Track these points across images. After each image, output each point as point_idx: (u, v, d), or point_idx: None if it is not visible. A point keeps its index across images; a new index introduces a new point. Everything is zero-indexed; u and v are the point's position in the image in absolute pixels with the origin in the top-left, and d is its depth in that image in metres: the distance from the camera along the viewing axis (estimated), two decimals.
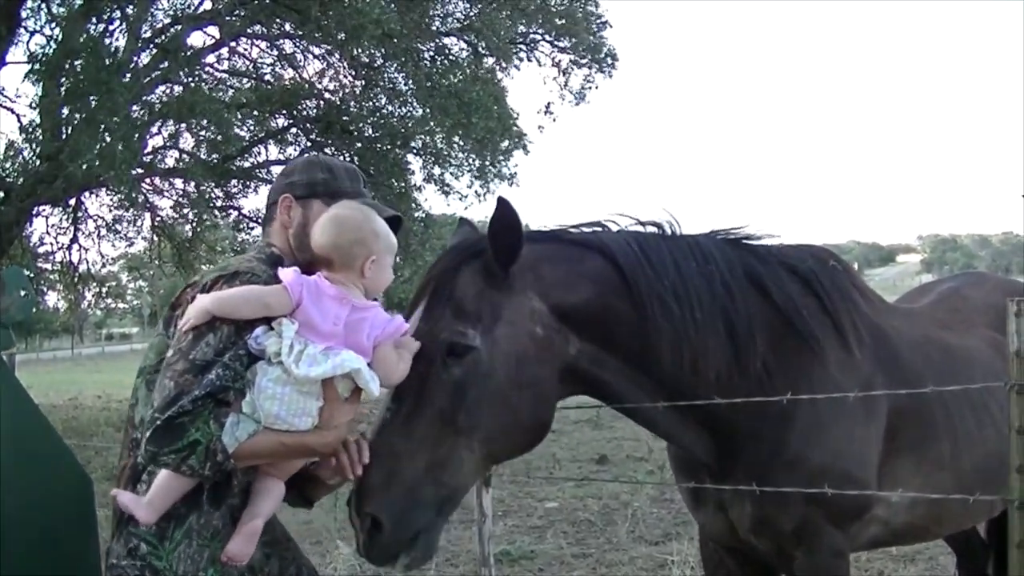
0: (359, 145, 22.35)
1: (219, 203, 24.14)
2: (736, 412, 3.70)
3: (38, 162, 18.34)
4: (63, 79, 17.54)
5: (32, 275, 22.33)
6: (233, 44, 22.23)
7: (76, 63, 17.14)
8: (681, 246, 3.75)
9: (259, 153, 24.25)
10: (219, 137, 20.54)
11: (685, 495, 4.28)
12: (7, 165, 20.10)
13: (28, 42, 18.97)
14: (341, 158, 22.66)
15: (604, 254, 3.61)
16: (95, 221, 24.47)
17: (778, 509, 3.74)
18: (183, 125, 21.22)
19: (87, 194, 22.64)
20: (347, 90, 22.99)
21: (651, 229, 3.82)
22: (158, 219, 25.25)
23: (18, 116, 19.81)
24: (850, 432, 3.83)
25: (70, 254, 24.04)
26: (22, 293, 4.45)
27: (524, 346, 3.38)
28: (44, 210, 21.43)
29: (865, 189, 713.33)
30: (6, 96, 19.75)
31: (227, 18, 19.69)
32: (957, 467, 4.17)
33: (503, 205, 3.32)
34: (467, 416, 3.26)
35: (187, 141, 22.45)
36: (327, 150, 23.00)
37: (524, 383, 3.36)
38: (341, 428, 3.04)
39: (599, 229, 3.77)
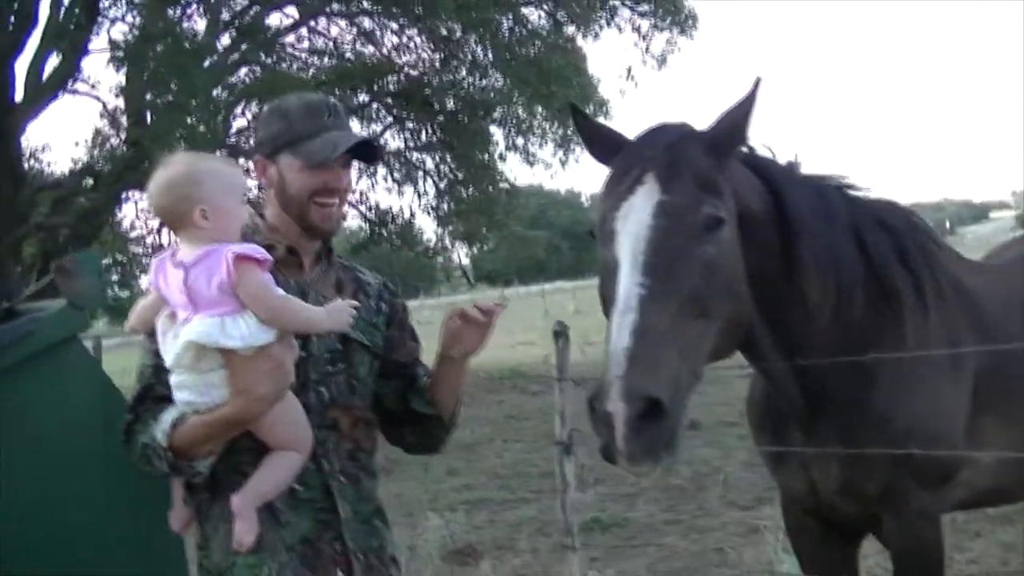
0: (440, 118, 22.41)
1: None
2: (825, 368, 3.56)
3: (124, 148, 18.54)
4: (144, 65, 17.68)
5: (126, 259, 22.77)
6: (312, 23, 22.36)
7: (157, 48, 17.26)
8: (809, 186, 3.59)
9: None
10: None
11: (765, 456, 4.15)
12: (95, 152, 20.36)
13: (109, 30, 19.15)
14: (423, 131, 22.88)
15: (760, 175, 3.43)
16: None
17: (864, 470, 3.62)
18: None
19: None
20: (427, 64, 23.00)
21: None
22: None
23: (104, 104, 20.10)
24: (937, 392, 3.71)
25: (159, 237, 24.41)
26: (96, 278, 4.33)
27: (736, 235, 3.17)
28: (133, 195, 21.71)
29: (957, 147, 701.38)
30: (89, 83, 19.95)
31: None
32: None
33: (759, 85, 3.17)
34: (715, 298, 3.00)
35: None
36: (408, 124, 23.04)
37: (744, 274, 3.17)
38: (259, 388, 2.73)
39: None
